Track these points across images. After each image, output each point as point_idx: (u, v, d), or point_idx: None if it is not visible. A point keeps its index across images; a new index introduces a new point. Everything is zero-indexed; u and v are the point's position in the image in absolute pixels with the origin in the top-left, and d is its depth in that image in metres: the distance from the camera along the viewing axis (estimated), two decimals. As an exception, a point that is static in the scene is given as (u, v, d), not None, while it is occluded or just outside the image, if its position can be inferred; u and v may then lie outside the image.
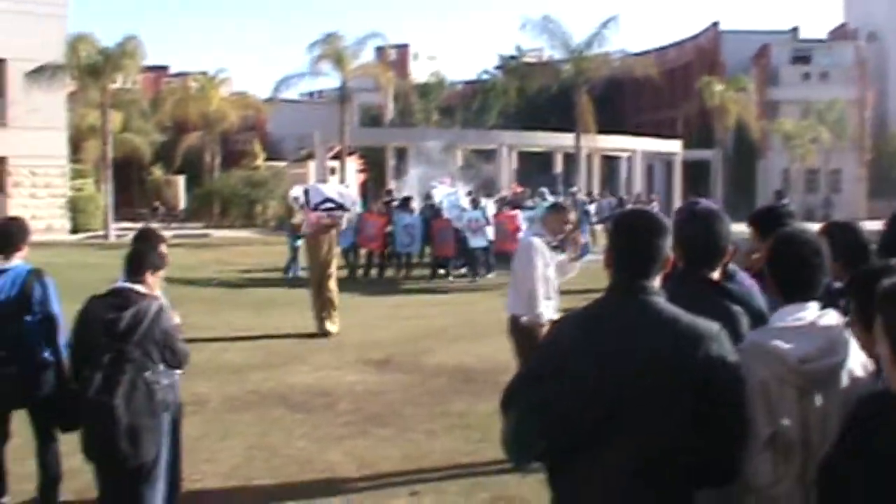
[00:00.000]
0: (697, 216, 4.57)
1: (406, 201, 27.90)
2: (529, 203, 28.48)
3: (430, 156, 41.56)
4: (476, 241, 25.67)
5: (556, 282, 9.59)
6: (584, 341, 3.72)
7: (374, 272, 26.96)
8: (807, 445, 3.72)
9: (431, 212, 27.10)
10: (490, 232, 25.97)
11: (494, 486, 8.30)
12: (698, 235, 4.43)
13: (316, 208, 16.69)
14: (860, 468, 3.10)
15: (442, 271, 26.61)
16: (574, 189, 32.11)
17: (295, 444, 9.81)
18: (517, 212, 26.48)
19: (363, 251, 27.13)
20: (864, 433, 3.16)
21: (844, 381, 3.78)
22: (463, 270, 26.61)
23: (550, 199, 28.03)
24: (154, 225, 44.09)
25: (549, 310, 9.23)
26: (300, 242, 25.77)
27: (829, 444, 3.45)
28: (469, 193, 31.22)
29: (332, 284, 16.89)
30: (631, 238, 3.84)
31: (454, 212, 26.62)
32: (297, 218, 24.03)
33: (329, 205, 16.71)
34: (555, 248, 9.64)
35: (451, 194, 28.97)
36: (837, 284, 4.77)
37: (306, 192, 17.27)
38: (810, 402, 3.75)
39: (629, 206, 32.92)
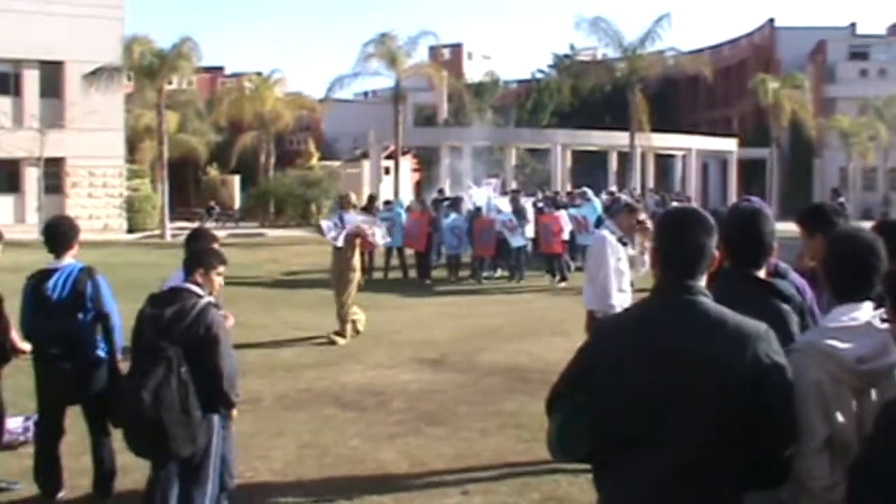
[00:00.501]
0: (742, 215, 4.53)
1: (455, 201, 27.69)
2: (577, 202, 27.85)
3: (483, 155, 41.54)
4: (515, 241, 25.38)
5: (629, 275, 9.61)
6: (629, 342, 3.68)
7: (412, 273, 26.60)
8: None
9: (473, 212, 26.77)
10: (529, 231, 25.79)
11: (545, 486, 8.26)
12: (743, 234, 4.38)
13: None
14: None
15: (484, 274, 26.18)
16: (612, 189, 31.56)
17: (347, 443, 9.82)
18: (562, 212, 26.01)
19: (408, 251, 26.97)
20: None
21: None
22: (498, 272, 26.51)
23: (594, 198, 27.83)
24: (209, 224, 44.67)
25: (624, 302, 9.23)
26: None
27: (863, 445, 3.42)
28: (506, 192, 31.02)
29: (350, 296, 16.18)
30: (677, 237, 3.75)
31: (491, 213, 26.44)
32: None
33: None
34: (623, 243, 9.65)
35: (489, 196, 28.81)
36: None
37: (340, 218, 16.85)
38: (866, 403, 3.70)
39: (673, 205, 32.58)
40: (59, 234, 7.86)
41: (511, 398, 11.65)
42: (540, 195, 31.99)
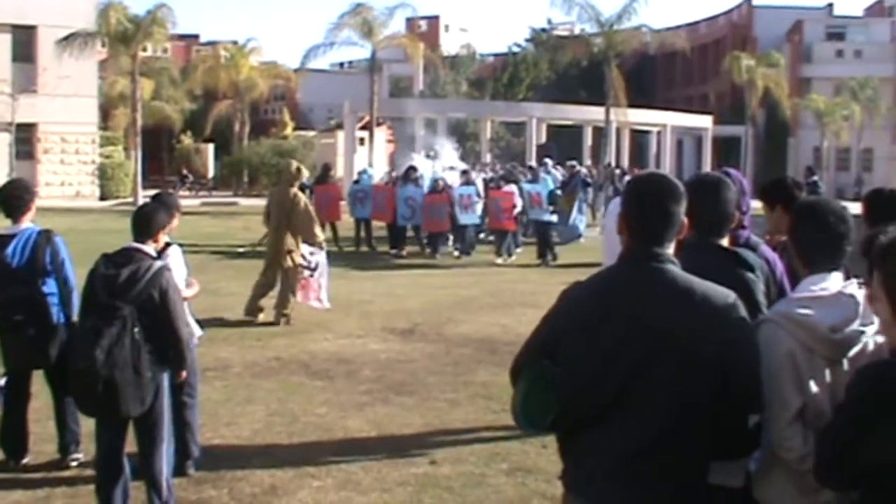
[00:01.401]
0: (705, 183, 4.51)
1: (408, 172, 26.50)
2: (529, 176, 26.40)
3: (458, 128, 41.30)
4: (466, 218, 24.70)
5: None
6: (597, 309, 3.62)
7: (369, 245, 26.30)
8: None
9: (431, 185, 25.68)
10: (479, 208, 25.03)
11: (514, 457, 8.27)
12: (706, 202, 4.34)
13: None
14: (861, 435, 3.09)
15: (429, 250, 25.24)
16: (572, 162, 31.17)
17: (315, 411, 9.79)
18: (513, 187, 24.48)
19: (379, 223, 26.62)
20: (864, 402, 3.14)
21: (870, 350, 3.72)
22: (450, 248, 25.43)
23: (552, 172, 27.50)
24: (182, 193, 44.49)
25: None
26: None
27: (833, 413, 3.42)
28: (453, 168, 30.37)
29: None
30: (644, 204, 3.70)
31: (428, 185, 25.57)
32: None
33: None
34: None
35: (433, 170, 28.17)
36: None
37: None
38: (839, 372, 3.69)
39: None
40: (14, 198, 7.73)
41: (481, 369, 11.65)
42: (491, 170, 31.02)
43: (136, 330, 6.16)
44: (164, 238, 6.96)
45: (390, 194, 25.78)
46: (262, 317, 14.87)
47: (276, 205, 14.98)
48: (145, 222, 6.72)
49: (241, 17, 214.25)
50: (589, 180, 30.74)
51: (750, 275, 4.20)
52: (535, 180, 25.05)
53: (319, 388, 10.74)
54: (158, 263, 6.50)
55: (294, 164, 15.78)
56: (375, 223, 26.79)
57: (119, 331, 6.10)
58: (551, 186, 24.72)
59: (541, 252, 23.64)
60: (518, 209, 23.90)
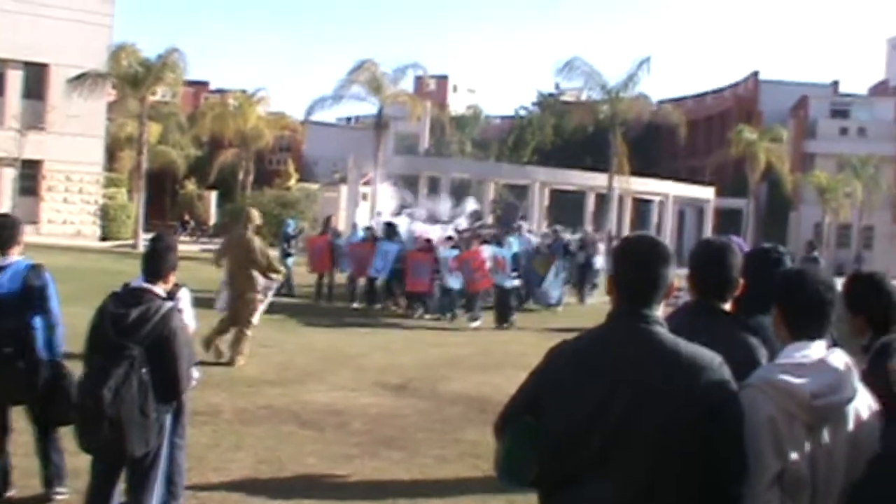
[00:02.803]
0: (710, 247, 4.55)
1: (390, 227, 26.32)
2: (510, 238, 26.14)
3: (462, 189, 41.29)
4: (453, 282, 23.72)
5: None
6: (580, 368, 3.66)
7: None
8: (814, 483, 3.68)
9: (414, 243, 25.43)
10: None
11: (500, 515, 8.25)
12: (710, 266, 4.39)
13: None
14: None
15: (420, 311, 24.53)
16: (557, 227, 30.74)
17: (304, 461, 9.77)
18: (483, 247, 23.56)
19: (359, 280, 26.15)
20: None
21: (851, 419, 3.75)
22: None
23: (528, 235, 27.00)
24: (183, 238, 44.52)
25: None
26: (290, 261, 26.56)
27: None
28: (437, 221, 29.96)
29: (255, 318, 15.81)
30: (633, 265, 3.74)
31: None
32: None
33: None
34: None
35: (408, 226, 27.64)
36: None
37: None
38: (818, 439, 3.71)
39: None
40: (2, 229, 7.78)
41: (472, 427, 11.61)
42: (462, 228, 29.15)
43: (143, 370, 6.16)
44: (173, 279, 6.96)
45: (367, 251, 25.35)
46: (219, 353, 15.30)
47: (234, 247, 15.84)
48: (156, 262, 6.72)
49: (251, 67, 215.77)
50: (571, 248, 29.70)
51: (752, 339, 4.22)
52: (499, 243, 24.61)
53: (309, 438, 10.72)
54: (168, 304, 6.50)
55: (253, 210, 16.84)
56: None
57: (127, 371, 6.10)
58: (516, 250, 24.37)
59: (498, 317, 23.02)
60: (489, 265, 22.92)
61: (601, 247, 31.97)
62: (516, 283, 23.81)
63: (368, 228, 28.21)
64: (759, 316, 4.36)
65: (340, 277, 26.86)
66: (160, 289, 6.62)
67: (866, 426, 3.75)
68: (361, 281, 26.13)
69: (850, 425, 3.74)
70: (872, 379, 3.94)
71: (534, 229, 36.05)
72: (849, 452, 3.73)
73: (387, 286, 25.58)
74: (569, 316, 24.03)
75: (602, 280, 29.16)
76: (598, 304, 24.49)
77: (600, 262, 30.89)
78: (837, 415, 3.72)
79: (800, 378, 3.69)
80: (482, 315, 23.32)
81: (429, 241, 24.96)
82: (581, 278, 30.54)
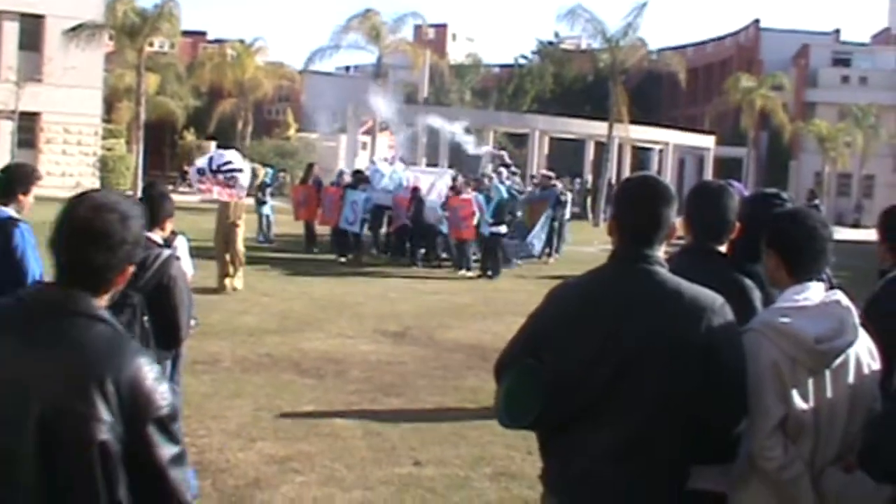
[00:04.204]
0: (707, 189, 4.53)
1: (356, 176, 26.13)
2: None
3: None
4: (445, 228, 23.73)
5: None
6: (583, 310, 3.64)
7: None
8: (817, 429, 3.67)
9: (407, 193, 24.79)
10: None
11: (498, 462, 8.27)
12: (707, 208, 4.36)
13: (219, 169, 17.06)
14: None
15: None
16: (549, 173, 29.69)
17: (303, 408, 9.80)
18: (472, 195, 22.98)
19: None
20: None
21: (852, 364, 3.72)
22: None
23: (508, 182, 26.14)
24: (182, 189, 44.48)
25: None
26: (266, 209, 26.76)
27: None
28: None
29: (240, 244, 17.67)
30: (634, 206, 3.73)
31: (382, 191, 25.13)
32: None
33: (230, 166, 17.08)
34: None
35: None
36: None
37: (210, 159, 17.66)
38: (821, 384, 3.69)
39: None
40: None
41: (471, 374, 11.65)
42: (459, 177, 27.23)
43: (145, 318, 6.14)
44: (169, 226, 6.92)
45: (337, 197, 25.01)
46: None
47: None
48: (151, 209, 6.67)
49: (249, 17, 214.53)
50: (564, 199, 28.09)
51: (748, 281, 4.20)
52: (478, 190, 23.83)
53: (308, 386, 10.75)
54: (167, 252, 6.47)
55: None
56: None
57: (129, 319, 6.06)
58: (503, 197, 23.40)
59: (483, 265, 22.71)
60: (477, 218, 22.49)
61: (569, 196, 30.72)
62: (501, 229, 22.67)
63: (340, 173, 28.11)
64: (755, 263, 4.33)
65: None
66: (157, 236, 6.59)
67: (867, 370, 3.75)
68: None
69: (852, 370, 3.72)
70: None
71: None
72: (850, 397, 3.71)
73: (356, 238, 24.86)
74: (569, 261, 23.82)
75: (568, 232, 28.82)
76: (597, 252, 24.35)
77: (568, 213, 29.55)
78: (840, 358, 3.70)
79: (803, 322, 3.66)
80: (474, 266, 23.07)
81: (416, 189, 24.59)
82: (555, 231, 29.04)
